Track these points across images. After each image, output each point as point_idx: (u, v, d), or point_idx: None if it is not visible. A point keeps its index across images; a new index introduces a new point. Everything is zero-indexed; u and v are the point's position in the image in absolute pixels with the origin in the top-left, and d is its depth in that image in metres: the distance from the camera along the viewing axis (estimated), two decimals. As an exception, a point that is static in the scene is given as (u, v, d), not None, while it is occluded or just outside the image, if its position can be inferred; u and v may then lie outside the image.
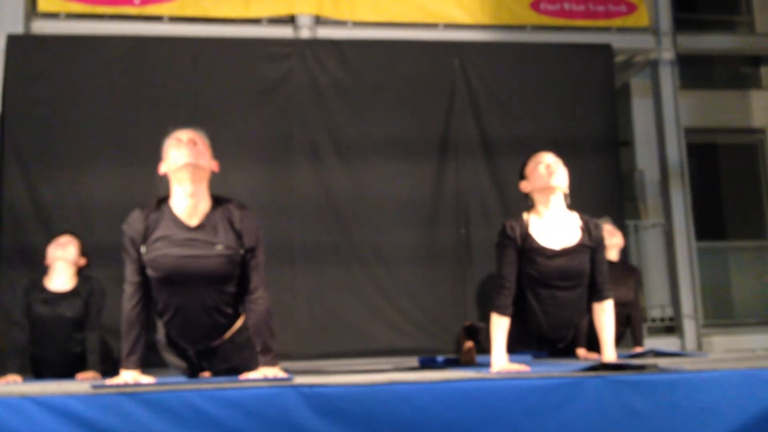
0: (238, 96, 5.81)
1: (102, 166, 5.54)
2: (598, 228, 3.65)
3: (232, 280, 3.18)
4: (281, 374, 3.05)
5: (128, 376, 3.01)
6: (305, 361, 5.22)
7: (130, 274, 3.12)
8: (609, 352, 3.58)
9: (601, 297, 3.61)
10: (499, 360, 3.41)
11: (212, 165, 3.25)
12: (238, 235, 3.14)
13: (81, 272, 4.44)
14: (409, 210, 5.86)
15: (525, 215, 3.61)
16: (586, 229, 3.61)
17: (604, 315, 3.61)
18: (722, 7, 8.16)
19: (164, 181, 3.19)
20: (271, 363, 3.10)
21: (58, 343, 4.33)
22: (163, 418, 2.54)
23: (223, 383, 2.73)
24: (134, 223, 3.13)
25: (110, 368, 4.22)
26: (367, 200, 5.83)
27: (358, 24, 6.33)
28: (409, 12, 6.39)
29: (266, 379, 2.92)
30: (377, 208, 5.83)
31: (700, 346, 6.49)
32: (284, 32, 6.24)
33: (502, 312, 3.47)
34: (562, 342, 3.83)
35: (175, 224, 3.12)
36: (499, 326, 3.46)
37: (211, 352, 3.32)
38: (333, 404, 2.65)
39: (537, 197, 3.59)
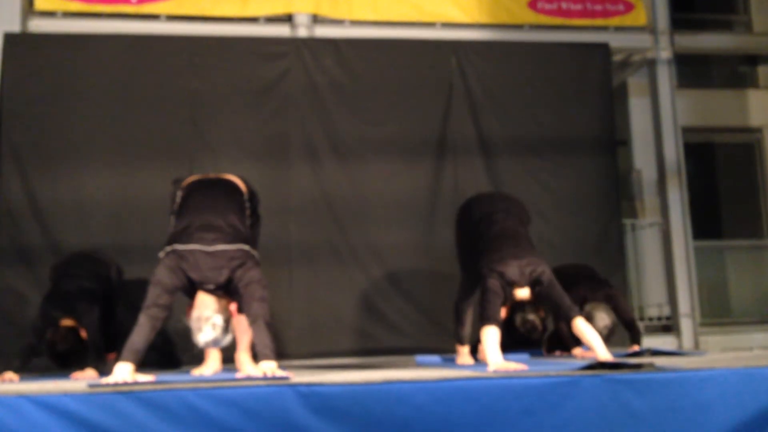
0: (235, 94, 5.80)
1: (99, 165, 5.53)
2: (544, 270, 3.93)
3: None
4: (279, 372, 3.05)
5: (125, 371, 3.02)
6: (303, 360, 5.22)
7: (166, 299, 3.39)
8: (601, 352, 3.72)
9: (569, 319, 3.91)
10: (497, 359, 3.43)
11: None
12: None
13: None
14: (406, 209, 5.86)
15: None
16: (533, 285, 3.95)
17: (581, 330, 3.88)
18: (719, 6, 8.16)
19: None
20: (271, 357, 3.21)
21: None
22: (160, 416, 2.54)
23: (221, 382, 2.73)
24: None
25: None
26: (365, 199, 5.83)
27: (355, 23, 6.32)
28: (407, 11, 6.39)
29: (264, 378, 2.93)
30: (375, 207, 5.82)
31: (697, 345, 6.49)
32: (281, 31, 6.23)
33: (494, 323, 3.71)
34: None
35: None
36: (492, 336, 3.66)
37: None
38: (330, 403, 2.65)
39: None
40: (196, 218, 3.60)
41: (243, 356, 3.84)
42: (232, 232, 3.56)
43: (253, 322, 3.34)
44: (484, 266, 3.94)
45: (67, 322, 4.29)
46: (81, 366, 4.20)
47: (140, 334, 3.24)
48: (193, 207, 3.71)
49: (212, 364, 4.01)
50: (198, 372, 3.96)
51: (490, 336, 3.66)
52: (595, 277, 5.15)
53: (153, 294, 3.38)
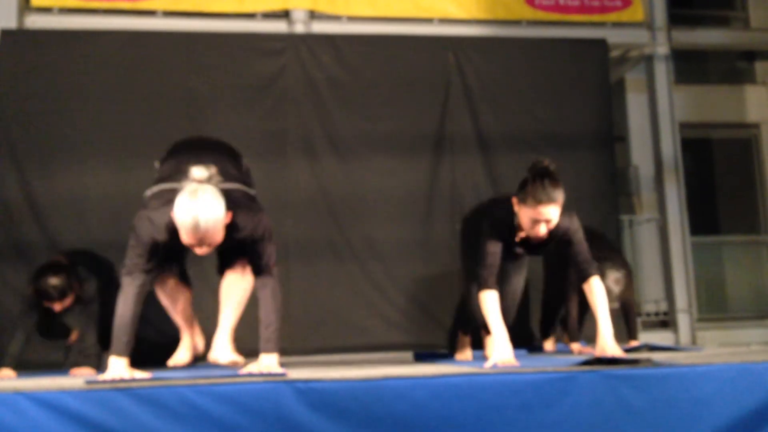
0: (232, 91, 5.79)
1: (96, 161, 5.53)
2: (572, 218, 3.59)
3: None
4: (278, 368, 3.04)
5: (121, 367, 3.01)
6: (300, 356, 5.22)
7: (144, 262, 3.07)
8: (605, 325, 3.50)
9: (587, 276, 3.58)
10: (503, 348, 3.37)
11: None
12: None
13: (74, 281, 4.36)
14: (404, 205, 5.86)
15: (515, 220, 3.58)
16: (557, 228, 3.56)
17: (592, 295, 3.57)
18: (717, 2, 8.17)
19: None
20: (271, 350, 3.13)
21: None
22: (157, 413, 2.54)
23: (219, 378, 2.73)
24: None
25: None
26: (362, 195, 5.82)
27: (352, 19, 6.32)
28: (404, 7, 6.39)
29: (261, 375, 2.93)
30: (372, 203, 5.82)
31: (694, 341, 6.51)
32: (279, 27, 6.22)
33: (491, 286, 3.49)
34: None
35: None
36: (493, 302, 3.45)
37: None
38: (328, 399, 2.65)
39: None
40: (186, 157, 3.18)
41: (223, 339, 3.40)
42: (231, 175, 3.18)
43: (261, 297, 3.16)
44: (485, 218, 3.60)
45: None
46: (62, 299, 4.16)
47: (125, 312, 3.00)
48: (184, 150, 3.34)
49: (186, 349, 3.71)
50: (172, 362, 3.72)
51: (490, 303, 3.44)
52: (613, 247, 5.10)
53: (133, 254, 3.05)
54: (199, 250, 2.99)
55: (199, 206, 2.85)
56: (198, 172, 2.93)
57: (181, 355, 3.75)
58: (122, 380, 2.81)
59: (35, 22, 5.91)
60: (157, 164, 3.37)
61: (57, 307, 4.22)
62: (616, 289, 4.60)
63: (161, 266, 3.24)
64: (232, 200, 3.03)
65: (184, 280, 3.69)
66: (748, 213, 7.98)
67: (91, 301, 4.36)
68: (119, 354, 3.03)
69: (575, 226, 3.59)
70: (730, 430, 2.83)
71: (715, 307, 7.54)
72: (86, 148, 5.54)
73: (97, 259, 4.73)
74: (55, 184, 5.48)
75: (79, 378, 3.40)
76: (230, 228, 3.04)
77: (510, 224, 3.60)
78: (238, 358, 3.25)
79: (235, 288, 3.40)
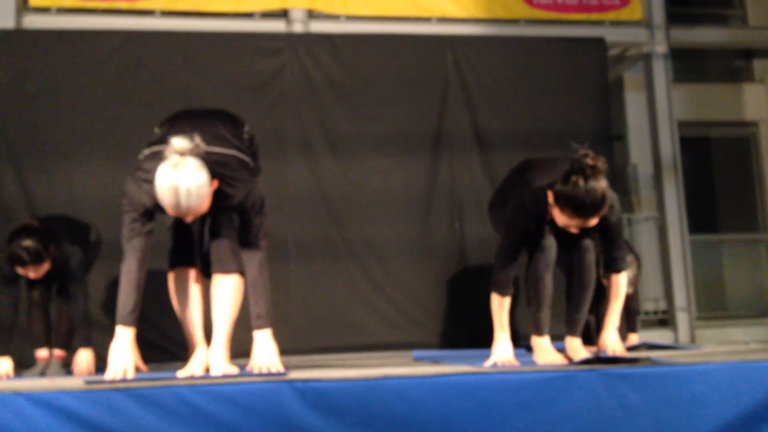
0: (230, 91, 5.78)
1: (94, 161, 5.52)
2: (613, 207, 3.34)
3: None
4: (278, 366, 3.04)
5: (126, 339, 2.95)
6: (299, 356, 5.22)
7: (141, 225, 3.03)
8: (611, 328, 3.50)
9: (616, 269, 3.55)
10: (503, 347, 3.37)
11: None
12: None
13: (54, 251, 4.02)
14: (403, 204, 5.86)
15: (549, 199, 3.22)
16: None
17: (616, 287, 3.55)
18: (715, 0, 8.17)
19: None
20: (263, 325, 3.11)
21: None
22: (157, 413, 2.54)
23: (218, 378, 2.73)
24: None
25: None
26: (361, 195, 5.83)
27: (351, 18, 6.31)
28: (403, 6, 6.39)
29: (260, 374, 2.93)
30: (371, 202, 5.82)
31: (693, 339, 6.51)
32: (277, 26, 6.22)
33: (506, 293, 3.37)
34: None
35: None
36: (504, 306, 3.37)
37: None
38: (327, 399, 2.65)
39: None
40: (182, 123, 3.10)
41: (219, 351, 3.20)
42: (226, 141, 3.08)
43: (248, 272, 3.11)
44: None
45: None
46: (37, 263, 3.84)
47: (130, 279, 2.94)
48: (181, 118, 3.26)
49: (199, 363, 3.34)
50: (185, 373, 3.31)
51: (503, 305, 3.33)
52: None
53: (128, 219, 3.03)
54: (183, 220, 3.00)
55: (179, 182, 2.79)
56: (178, 142, 2.81)
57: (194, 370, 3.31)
58: (122, 380, 2.81)
59: (33, 22, 5.90)
60: (156, 130, 3.30)
61: (32, 273, 3.88)
62: (630, 272, 4.56)
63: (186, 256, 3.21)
64: (221, 167, 2.97)
65: (205, 268, 3.40)
66: (747, 211, 7.99)
67: (74, 270, 4.05)
68: (126, 324, 2.95)
69: (615, 216, 3.35)
70: (729, 429, 2.84)
71: (714, 305, 7.55)
72: (84, 148, 5.54)
73: (76, 224, 4.42)
74: (53, 183, 5.48)
75: (78, 378, 3.40)
76: (219, 195, 2.98)
77: (539, 213, 3.30)
78: (234, 370, 3.15)
79: (227, 294, 3.27)
